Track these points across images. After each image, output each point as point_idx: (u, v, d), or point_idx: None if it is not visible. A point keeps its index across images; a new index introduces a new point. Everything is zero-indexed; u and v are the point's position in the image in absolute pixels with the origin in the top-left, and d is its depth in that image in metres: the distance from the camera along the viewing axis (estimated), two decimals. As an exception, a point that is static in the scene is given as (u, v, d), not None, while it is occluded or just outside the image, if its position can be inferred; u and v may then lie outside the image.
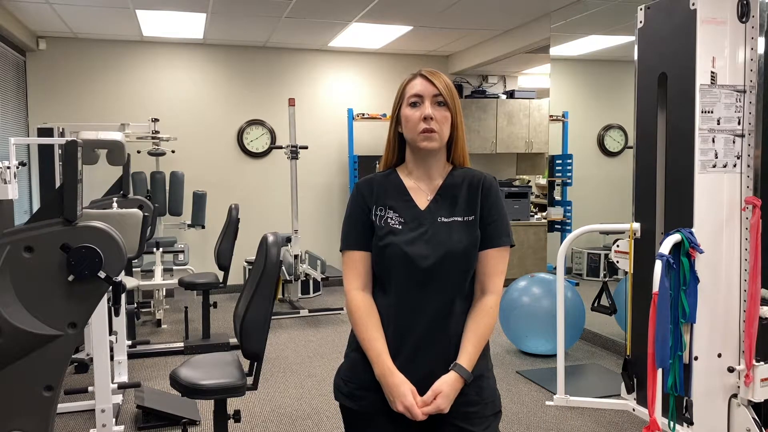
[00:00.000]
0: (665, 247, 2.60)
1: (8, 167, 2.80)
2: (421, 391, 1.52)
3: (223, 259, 4.72)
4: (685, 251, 2.63)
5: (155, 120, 6.18)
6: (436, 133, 1.56)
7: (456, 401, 1.53)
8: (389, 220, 1.60)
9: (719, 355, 2.73)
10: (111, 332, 3.62)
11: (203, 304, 4.94)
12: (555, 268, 3.54)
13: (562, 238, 5.14)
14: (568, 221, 5.59)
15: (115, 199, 4.02)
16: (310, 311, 5.86)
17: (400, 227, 1.59)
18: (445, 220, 1.59)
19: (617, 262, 3.17)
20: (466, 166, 1.67)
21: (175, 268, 5.67)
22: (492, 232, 1.60)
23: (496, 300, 1.60)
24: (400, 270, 1.57)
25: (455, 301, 1.58)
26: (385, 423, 1.58)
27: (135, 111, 6.59)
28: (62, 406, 3.58)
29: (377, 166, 6.97)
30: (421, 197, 1.63)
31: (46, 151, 5.33)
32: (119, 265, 1.84)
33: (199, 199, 6.34)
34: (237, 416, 2.64)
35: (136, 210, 3.59)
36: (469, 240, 1.58)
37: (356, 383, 1.61)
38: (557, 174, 5.79)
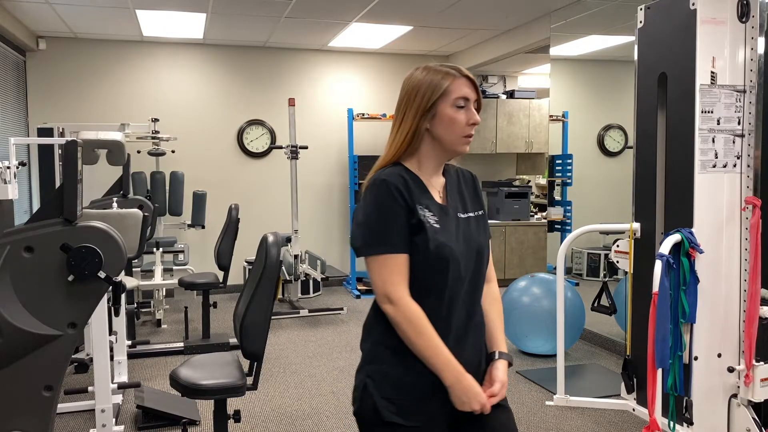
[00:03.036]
0: (665, 247, 2.60)
1: (8, 167, 2.79)
2: None
3: (223, 259, 4.72)
4: (685, 251, 2.63)
5: (155, 120, 6.18)
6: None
7: None
8: (429, 219, 1.53)
9: (719, 355, 2.73)
10: (111, 332, 3.62)
11: (203, 304, 4.94)
12: (555, 268, 3.54)
13: (562, 238, 5.15)
14: (568, 221, 5.59)
15: (115, 199, 4.02)
16: (310, 311, 5.86)
17: (438, 226, 1.54)
18: (462, 215, 1.61)
19: (617, 262, 3.17)
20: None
21: (175, 268, 5.67)
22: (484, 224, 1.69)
23: (497, 286, 1.75)
24: (450, 269, 1.52)
25: (481, 292, 1.65)
26: (442, 424, 1.57)
27: (135, 111, 6.60)
28: (62, 406, 3.58)
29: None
30: (436, 194, 1.60)
31: (46, 151, 5.33)
32: (119, 265, 1.84)
33: (199, 199, 6.34)
34: (237, 416, 2.64)
35: (136, 210, 3.60)
36: (487, 233, 1.66)
37: (407, 398, 1.53)
38: (557, 174, 5.79)
